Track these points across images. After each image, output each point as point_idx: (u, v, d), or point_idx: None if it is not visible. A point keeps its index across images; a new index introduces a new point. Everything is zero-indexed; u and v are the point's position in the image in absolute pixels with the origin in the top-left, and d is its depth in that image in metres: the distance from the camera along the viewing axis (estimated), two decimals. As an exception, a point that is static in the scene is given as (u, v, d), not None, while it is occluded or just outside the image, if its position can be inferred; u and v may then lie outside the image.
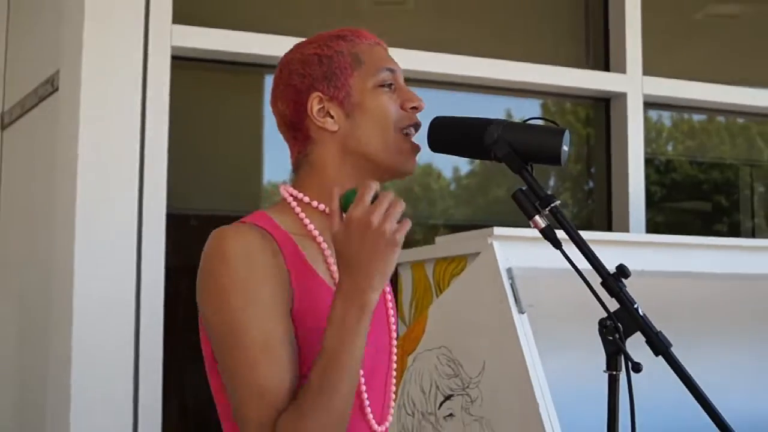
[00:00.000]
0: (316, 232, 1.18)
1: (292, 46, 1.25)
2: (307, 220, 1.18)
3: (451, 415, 1.90)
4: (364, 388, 1.18)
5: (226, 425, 1.18)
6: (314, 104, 1.19)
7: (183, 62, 2.50)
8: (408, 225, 1.08)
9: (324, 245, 1.18)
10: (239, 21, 2.62)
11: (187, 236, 2.59)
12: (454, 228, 2.98)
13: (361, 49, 1.21)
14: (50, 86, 2.62)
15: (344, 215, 1.08)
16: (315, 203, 1.19)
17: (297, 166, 1.23)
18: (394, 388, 1.29)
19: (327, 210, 1.19)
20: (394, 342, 1.31)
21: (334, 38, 1.21)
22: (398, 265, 2.26)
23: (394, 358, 1.30)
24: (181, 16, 2.45)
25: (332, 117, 1.19)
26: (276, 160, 2.77)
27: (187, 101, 2.56)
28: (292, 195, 1.21)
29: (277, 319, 1.10)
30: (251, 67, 2.69)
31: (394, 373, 1.30)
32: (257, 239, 1.12)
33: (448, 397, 1.93)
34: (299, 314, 1.13)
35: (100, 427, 2.24)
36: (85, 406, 2.23)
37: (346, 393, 1.07)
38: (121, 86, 2.36)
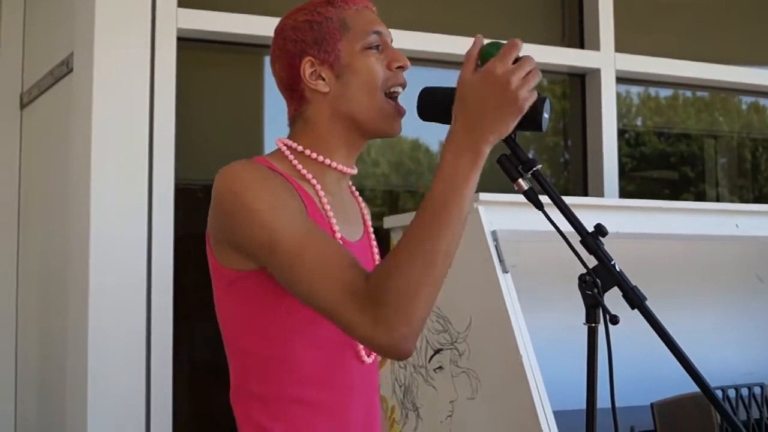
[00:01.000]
0: (310, 176, 1.16)
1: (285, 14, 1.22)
2: (300, 166, 1.16)
3: (440, 367, 1.90)
4: None
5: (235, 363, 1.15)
6: (306, 68, 1.16)
7: (188, 43, 2.47)
8: (535, 96, 1.03)
9: (319, 187, 1.16)
10: (240, 4, 2.58)
11: (195, 206, 2.58)
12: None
13: (348, 14, 1.18)
14: (65, 67, 2.60)
15: (480, 67, 1.02)
16: (308, 152, 1.17)
17: (293, 121, 1.21)
18: None
19: (324, 160, 1.17)
20: None
21: (323, 4, 1.19)
22: (390, 229, 2.24)
23: None
24: (185, 0, 2.42)
25: (323, 79, 1.16)
26: (276, 133, 2.73)
27: (192, 80, 2.54)
28: (286, 145, 1.19)
29: (307, 219, 1.07)
30: (252, 48, 2.66)
31: None
32: (266, 168, 1.10)
33: (437, 351, 1.92)
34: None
35: (115, 398, 2.24)
36: (102, 372, 2.22)
37: (453, 238, 1.00)
38: (130, 67, 2.33)
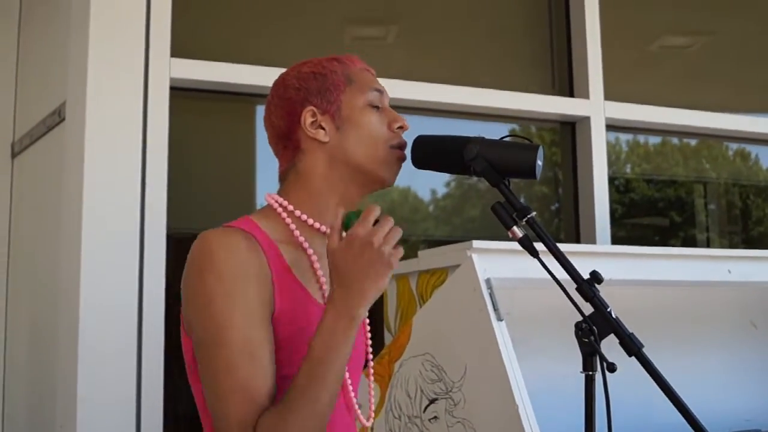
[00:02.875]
0: (302, 239, 1.16)
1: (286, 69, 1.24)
2: (293, 226, 1.16)
3: (435, 417, 1.87)
4: (351, 387, 1.16)
5: (207, 430, 1.14)
6: (307, 117, 1.17)
7: (181, 92, 2.49)
8: (401, 251, 1.07)
9: (310, 251, 1.16)
10: (232, 54, 2.61)
11: (186, 254, 2.56)
12: (433, 244, 2.97)
13: (352, 71, 1.21)
14: (57, 116, 2.60)
15: (344, 234, 1.06)
16: (298, 213, 1.17)
17: (284, 175, 1.21)
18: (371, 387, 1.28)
19: (314, 224, 1.17)
20: (369, 349, 1.29)
21: (328, 60, 1.22)
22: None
23: (370, 356, 1.29)
24: (178, 50, 2.44)
25: (323, 129, 1.17)
26: (268, 181, 2.76)
27: (185, 128, 2.54)
28: (277, 202, 1.18)
29: (260, 323, 1.07)
30: (243, 96, 2.68)
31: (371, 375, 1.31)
32: (242, 241, 1.09)
33: (432, 401, 1.90)
34: (279, 317, 1.10)
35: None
36: (92, 408, 2.19)
37: (329, 398, 1.04)
38: (123, 115, 2.34)
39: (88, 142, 2.29)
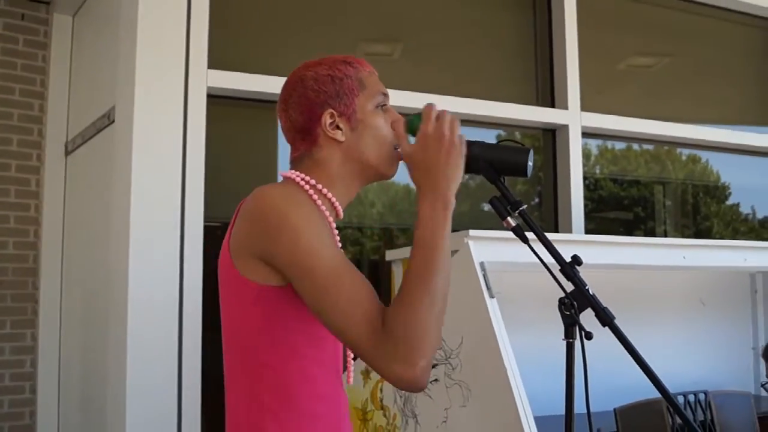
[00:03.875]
0: (323, 207, 1.12)
1: (302, 64, 1.20)
2: (315, 196, 1.12)
3: (436, 380, 1.89)
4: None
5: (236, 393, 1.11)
6: (327, 118, 1.15)
7: (216, 100, 2.50)
8: (465, 137, 1.09)
9: (330, 219, 1.12)
10: (261, 66, 2.62)
11: (221, 243, 2.57)
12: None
13: (363, 75, 1.19)
14: (107, 119, 2.61)
15: (410, 138, 1.06)
16: (320, 186, 1.14)
17: (299, 160, 1.17)
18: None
19: (332, 198, 1.14)
20: None
21: (341, 62, 1.18)
22: (392, 262, 2.27)
23: None
24: (215, 62, 2.45)
25: (340, 129, 1.15)
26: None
27: (220, 132, 2.55)
28: (300, 177, 1.13)
29: (338, 248, 1.07)
30: (270, 104, 2.65)
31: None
32: (304, 195, 1.10)
33: (433, 366, 1.91)
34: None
35: (151, 409, 2.21)
36: (139, 389, 2.20)
37: (444, 276, 1.02)
38: (166, 120, 2.34)
39: (135, 143, 2.29)
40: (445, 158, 1.06)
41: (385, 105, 1.20)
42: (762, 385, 2.04)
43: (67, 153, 3.10)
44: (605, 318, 1.17)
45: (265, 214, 1.04)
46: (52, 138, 3.11)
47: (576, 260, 1.20)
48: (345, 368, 1.20)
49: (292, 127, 1.17)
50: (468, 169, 1.22)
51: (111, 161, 2.50)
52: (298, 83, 1.17)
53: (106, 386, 2.36)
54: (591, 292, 1.19)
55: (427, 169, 1.06)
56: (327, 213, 1.12)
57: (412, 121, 1.09)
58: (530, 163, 1.22)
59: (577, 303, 1.18)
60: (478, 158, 1.20)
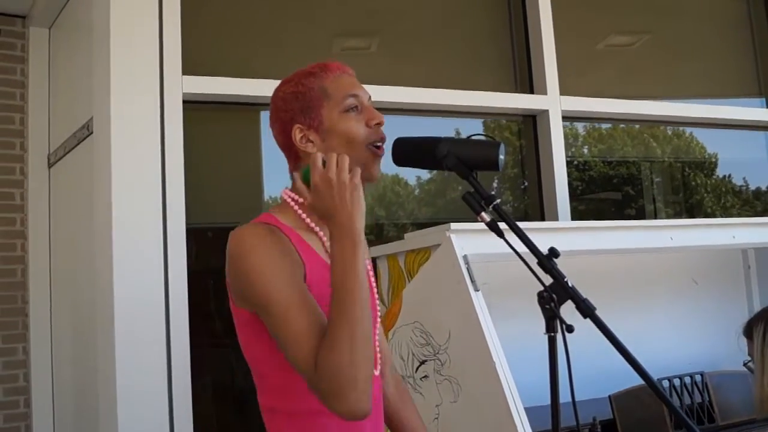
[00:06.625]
0: (312, 224, 1.20)
1: (278, 84, 1.26)
2: (304, 215, 1.20)
3: (426, 376, 1.89)
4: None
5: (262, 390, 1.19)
6: (296, 134, 1.20)
7: (192, 105, 2.48)
8: (359, 170, 1.10)
9: (321, 233, 1.20)
10: (235, 69, 2.60)
11: (204, 245, 2.57)
12: (420, 225, 2.98)
13: (328, 82, 1.21)
14: (86, 130, 2.60)
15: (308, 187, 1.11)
16: (301, 200, 1.21)
17: (293, 175, 1.25)
18: (378, 343, 1.28)
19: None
20: (378, 308, 1.32)
21: (306, 75, 1.23)
22: (376, 257, 2.25)
23: (379, 318, 1.30)
24: (189, 68, 2.43)
25: (312, 142, 1.20)
26: (272, 179, 2.76)
27: (197, 137, 2.54)
28: (290, 197, 1.22)
29: (298, 283, 1.10)
30: (247, 106, 2.66)
31: (378, 331, 1.30)
32: (269, 232, 1.14)
33: (422, 362, 1.92)
34: (309, 285, 1.13)
35: (143, 417, 2.20)
36: (129, 398, 2.19)
37: (362, 317, 1.05)
38: (143, 127, 2.33)
39: (114, 153, 2.28)
40: (339, 200, 1.08)
41: (356, 107, 1.20)
42: (744, 364, 2.02)
43: (50, 165, 3.09)
44: (585, 309, 1.15)
45: (233, 257, 1.12)
46: (34, 151, 3.09)
47: (553, 252, 1.18)
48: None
49: (279, 146, 1.25)
50: (439, 166, 1.21)
51: (92, 171, 2.49)
52: (273, 105, 1.24)
53: (98, 397, 2.35)
54: (570, 284, 1.16)
55: (329, 215, 1.09)
56: (317, 227, 1.19)
57: (305, 173, 1.13)
58: (501, 157, 1.20)
59: (556, 296, 1.16)
60: (448, 155, 1.18)
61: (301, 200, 1.20)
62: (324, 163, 1.10)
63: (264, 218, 1.18)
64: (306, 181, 1.12)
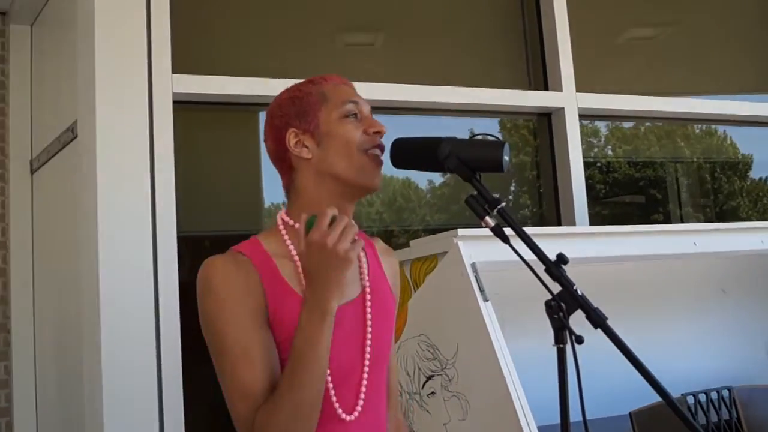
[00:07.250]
0: (293, 253, 1.20)
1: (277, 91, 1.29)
2: (289, 242, 1.21)
3: (433, 392, 1.90)
4: (331, 385, 1.18)
5: None
6: (291, 138, 1.22)
7: (183, 105, 2.49)
8: (360, 244, 1.11)
9: (299, 263, 1.19)
10: (229, 67, 2.62)
11: (199, 255, 2.57)
12: (432, 232, 2.98)
13: (327, 88, 1.24)
14: (71, 134, 2.61)
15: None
16: (296, 225, 1.19)
17: (287, 192, 1.26)
18: (366, 383, 1.23)
19: None
20: (368, 343, 1.24)
21: (305, 83, 1.26)
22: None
23: (368, 356, 1.24)
24: (179, 67, 2.45)
25: (306, 147, 1.22)
26: (272, 183, 2.77)
27: (188, 138, 2.55)
28: (283, 220, 1.23)
29: (253, 331, 1.13)
30: (240, 106, 2.68)
31: (367, 370, 1.24)
32: (234, 268, 1.15)
33: (429, 378, 1.92)
34: (274, 323, 1.15)
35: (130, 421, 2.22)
36: (117, 417, 2.20)
37: (313, 388, 1.09)
38: (131, 130, 2.34)
39: (99, 157, 2.29)
40: (325, 270, 1.09)
41: (356, 114, 1.23)
42: None
43: (33, 171, 3.10)
44: (597, 319, 1.16)
45: (197, 291, 1.17)
46: (15, 156, 3.10)
47: (561, 259, 1.19)
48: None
49: (272, 158, 1.26)
50: (441, 168, 1.23)
51: (76, 176, 2.51)
52: (268, 115, 1.26)
53: (84, 417, 2.36)
54: (580, 293, 1.17)
55: (310, 276, 1.11)
56: (297, 258, 1.18)
57: (309, 221, 1.13)
58: (506, 158, 1.22)
59: (566, 305, 1.17)
60: (450, 156, 1.20)
61: (291, 222, 1.22)
62: (331, 222, 1.09)
63: (244, 245, 1.20)
64: (307, 229, 1.12)
